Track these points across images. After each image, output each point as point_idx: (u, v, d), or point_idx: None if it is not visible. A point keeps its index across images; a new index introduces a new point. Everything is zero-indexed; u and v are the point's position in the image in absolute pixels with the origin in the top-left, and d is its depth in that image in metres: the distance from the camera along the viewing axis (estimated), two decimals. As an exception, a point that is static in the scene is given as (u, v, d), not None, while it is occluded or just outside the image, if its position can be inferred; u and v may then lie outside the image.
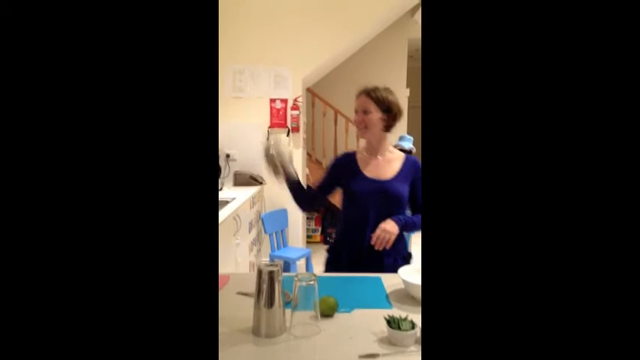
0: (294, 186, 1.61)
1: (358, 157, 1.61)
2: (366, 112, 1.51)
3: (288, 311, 1.06)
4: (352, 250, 1.56)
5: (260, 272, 1.03)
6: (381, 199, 1.52)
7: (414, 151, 4.48)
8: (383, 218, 1.49)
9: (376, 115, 1.51)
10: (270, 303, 1.02)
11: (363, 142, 1.61)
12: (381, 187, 1.53)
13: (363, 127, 1.53)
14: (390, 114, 1.52)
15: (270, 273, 1.02)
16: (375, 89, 1.52)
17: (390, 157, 1.59)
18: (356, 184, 1.54)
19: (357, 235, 1.55)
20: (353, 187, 1.54)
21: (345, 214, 1.60)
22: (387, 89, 1.54)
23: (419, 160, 1.48)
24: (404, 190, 1.54)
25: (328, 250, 1.66)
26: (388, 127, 1.55)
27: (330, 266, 1.63)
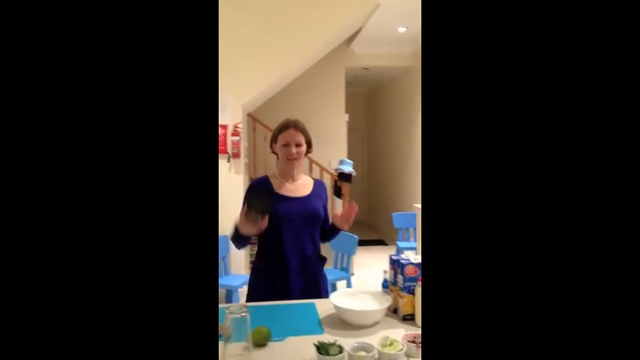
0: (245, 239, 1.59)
1: (272, 181, 1.64)
2: (298, 144, 1.60)
3: (220, 343, 1.07)
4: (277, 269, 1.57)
5: (191, 307, 1.04)
6: (301, 215, 1.58)
7: (353, 174, 4.59)
8: (301, 236, 1.57)
9: (304, 147, 1.63)
10: (202, 336, 1.04)
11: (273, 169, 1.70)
12: (301, 203, 1.60)
13: (296, 158, 1.61)
14: (309, 144, 1.67)
15: (202, 307, 1.04)
16: (297, 121, 1.63)
17: (305, 182, 1.70)
18: (277, 205, 1.55)
19: (279, 254, 1.57)
20: (274, 209, 1.53)
21: (265, 237, 1.59)
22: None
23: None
24: (319, 206, 1.64)
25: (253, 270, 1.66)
26: (306, 155, 1.67)
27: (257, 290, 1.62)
